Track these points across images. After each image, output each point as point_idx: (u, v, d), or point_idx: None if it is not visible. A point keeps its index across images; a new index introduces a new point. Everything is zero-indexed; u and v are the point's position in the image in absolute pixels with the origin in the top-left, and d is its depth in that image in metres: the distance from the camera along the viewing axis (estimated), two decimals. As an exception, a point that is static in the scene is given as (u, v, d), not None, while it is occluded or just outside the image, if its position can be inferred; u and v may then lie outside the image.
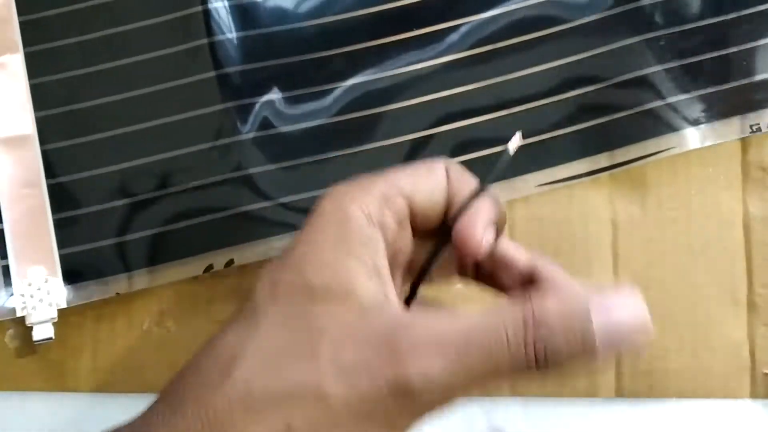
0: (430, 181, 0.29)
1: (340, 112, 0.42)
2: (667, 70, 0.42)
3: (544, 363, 0.25)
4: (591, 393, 0.41)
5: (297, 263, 0.27)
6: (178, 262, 0.41)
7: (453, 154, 0.42)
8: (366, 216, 0.27)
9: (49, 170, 0.41)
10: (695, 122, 0.42)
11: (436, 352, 0.25)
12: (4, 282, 0.40)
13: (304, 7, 0.43)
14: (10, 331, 0.41)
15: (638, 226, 0.42)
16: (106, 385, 0.41)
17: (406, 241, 0.29)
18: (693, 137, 0.42)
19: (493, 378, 0.25)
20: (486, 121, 0.42)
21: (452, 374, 0.25)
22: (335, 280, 0.26)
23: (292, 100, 0.42)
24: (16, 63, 0.42)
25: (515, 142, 0.30)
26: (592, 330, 0.25)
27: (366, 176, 0.29)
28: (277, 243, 0.41)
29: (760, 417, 0.41)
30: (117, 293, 0.41)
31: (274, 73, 0.42)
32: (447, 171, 0.30)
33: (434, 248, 0.29)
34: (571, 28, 0.43)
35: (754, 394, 0.41)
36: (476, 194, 0.30)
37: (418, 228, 0.30)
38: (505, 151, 0.30)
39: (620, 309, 0.26)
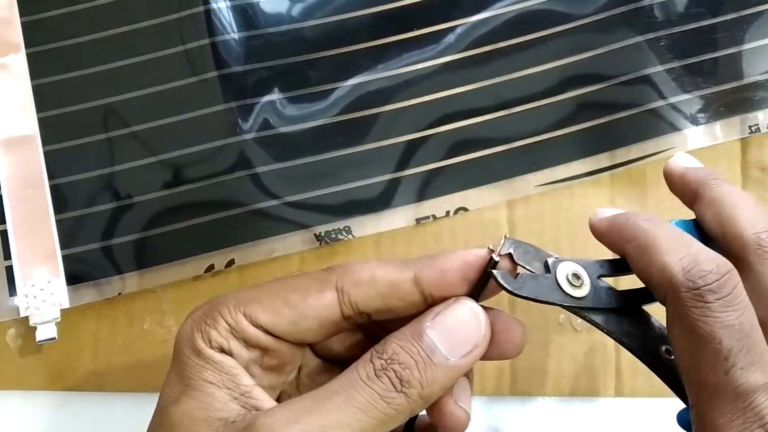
0: (285, 311, 0.29)
1: (340, 113, 0.42)
2: (667, 70, 0.43)
3: (401, 382, 0.27)
4: (591, 393, 0.41)
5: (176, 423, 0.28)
6: (179, 262, 0.41)
7: (450, 154, 0.42)
8: (215, 349, 0.29)
9: (52, 171, 0.41)
10: (695, 122, 0.42)
11: (287, 421, 0.26)
12: (8, 282, 0.40)
13: (305, 8, 0.43)
14: (12, 331, 0.41)
15: (638, 226, 0.42)
16: (107, 384, 0.41)
17: (287, 353, 0.30)
18: (693, 137, 0.42)
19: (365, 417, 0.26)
20: (486, 121, 0.42)
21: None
22: None
23: (292, 101, 0.42)
24: (18, 64, 0.42)
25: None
26: (429, 337, 0.27)
27: (218, 304, 0.29)
28: (278, 243, 0.41)
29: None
30: (119, 293, 0.41)
31: (275, 72, 0.42)
32: (338, 289, 0.29)
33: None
34: (570, 28, 0.43)
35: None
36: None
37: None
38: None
39: (452, 317, 0.28)
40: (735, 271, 0.27)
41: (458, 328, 0.28)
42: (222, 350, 0.28)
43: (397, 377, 0.27)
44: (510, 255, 0.29)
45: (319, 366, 0.32)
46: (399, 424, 0.28)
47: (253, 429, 0.26)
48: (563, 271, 0.29)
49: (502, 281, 0.28)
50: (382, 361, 0.27)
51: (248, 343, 0.29)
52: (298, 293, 0.29)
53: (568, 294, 0.29)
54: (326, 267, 0.30)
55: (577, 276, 0.29)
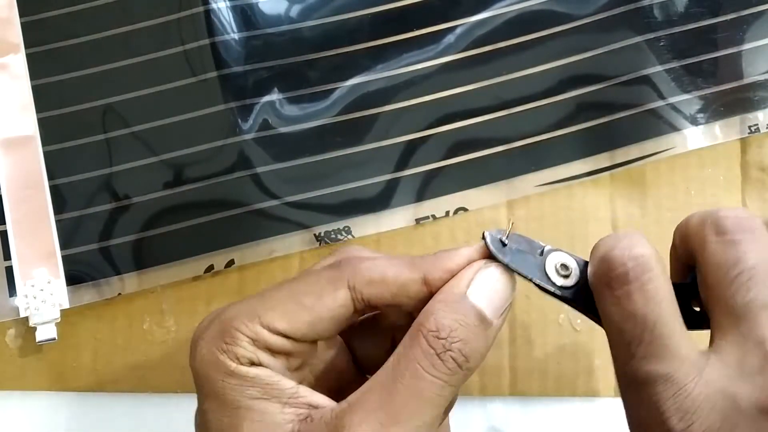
0: (302, 315, 0.29)
1: (340, 113, 0.42)
2: (667, 70, 0.43)
3: (465, 359, 0.27)
4: (591, 393, 0.41)
5: None
6: (179, 262, 0.41)
7: (450, 154, 0.42)
8: (246, 364, 0.28)
9: (51, 171, 0.41)
10: (695, 122, 0.42)
11: (365, 415, 0.27)
12: (8, 283, 0.40)
13: (304, 8, 0.43)
14: (12, 331, 0.41)
15: (638, 226, 0.42)
16: (107, 384, 0.41)
17: (307, 351, 0.30)
18: (693, 137, 0.42)
19: (434, 397, 0.27)
20: (486, 121, 0.42)
21: (387, 415, 0.27)
22: None
23: (292, 101, 0.42)
24: (18, 64, 0.42)
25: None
26: (474, 305, 0.28)
27: (230, 320, 0.29)
28: (278, 243, 0.41)
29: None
30: (119, 293, 0.41)
31: (274, 73, 0.42)
32: (349, 287, 0.29)
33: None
34: (570, 28, 0.43)
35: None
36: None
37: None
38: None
39: (489, 282, 0.29)
40: (648, 263, 0.27)
41: (495, 290, 0.29)
42: (253, 364, 0.28)
43: (462, 355, 0.27)
44: (500, 240, 0.30)
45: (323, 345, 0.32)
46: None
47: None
48: (554, 260, 0.30)
49: (489, 244, 0.29)
50: (443, 341, 0.27)
51: (273, 351, 0.29)
52: (312, 296, 0.29)
53: (550, 279, 0.30)
54: (331, 263, 0.31)
55: (565, 266, 0.30)
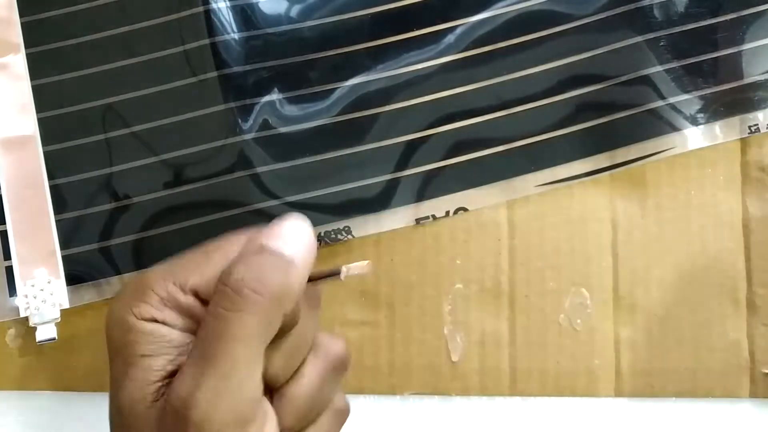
0: (211, 267, 0.30)
1: (340, 113, 0.42)
2: (667, 70, 0.43)
3: (250, 281, 0.28)
4: (591, 393, 0.41)
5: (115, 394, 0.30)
6: (179, 263, 0.41)
7: (450, 154, 0.42)
8: (147, 320, 0.29)
9: (51, 171, 0.41)
10: (695, 122, 0.42)
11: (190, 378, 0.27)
12: (8, 283, 0.40)
13: (305, 8, 0.43)
14: (12, 331, 0.41)
15: (638, 226, 0.42)
16: (107, 384, 0.41)
17: None
18: (693, 137, 0.42)
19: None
20: (486, 121, 0.42)
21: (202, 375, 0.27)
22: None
23: (292, 101, 0.42)
24: (18, 64, 0.42)
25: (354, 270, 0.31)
26: (269, 247, 0.29)
27: (146, 279, 0.30)
28: (277, 243, 0.41)
29: (759, 417, 0.41)
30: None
31: (274, 73, 0.43)
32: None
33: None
34: (570, 28, 0.43)
35: (753, 394, 0.41)
36: None
37: None
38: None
39: (281, 227, 0.30)
40: None
41: (289, 232, 0.29)
42: (155, 321, 0.29)
43: (255, 292, 0.27)
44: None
45: None
46: (278, 326, 0.29)
47: (171, 408, 0.27)
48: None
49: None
50: (237, 281, 0.28)
51: (181, 311, 0.29)
52: (220, 251, 0.30)
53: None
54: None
55: None
